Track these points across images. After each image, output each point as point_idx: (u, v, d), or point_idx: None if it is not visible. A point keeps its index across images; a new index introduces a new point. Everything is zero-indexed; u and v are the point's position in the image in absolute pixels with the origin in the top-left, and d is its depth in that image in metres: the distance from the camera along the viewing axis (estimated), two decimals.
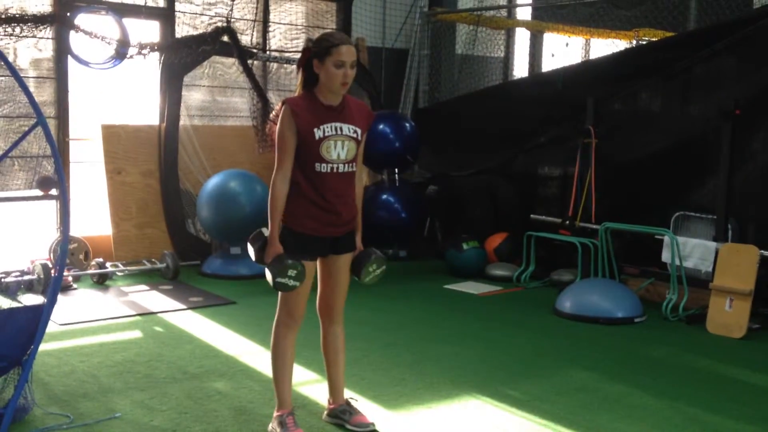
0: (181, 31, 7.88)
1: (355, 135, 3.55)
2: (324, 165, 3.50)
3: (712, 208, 6.29)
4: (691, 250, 6.21)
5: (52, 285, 3.64)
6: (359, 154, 3.64)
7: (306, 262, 3.53)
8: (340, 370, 3.86)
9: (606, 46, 9.32)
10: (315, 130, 3.46)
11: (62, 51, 7.15)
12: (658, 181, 6.88)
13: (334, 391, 3.88)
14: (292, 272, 3.45)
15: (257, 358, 4.87)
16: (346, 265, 3.73)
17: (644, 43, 8.33)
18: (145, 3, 7.67)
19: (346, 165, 3.55)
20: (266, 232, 3.56)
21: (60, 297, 6.08)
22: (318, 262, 3.70)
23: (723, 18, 7.05)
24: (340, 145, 3.51)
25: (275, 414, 3.70)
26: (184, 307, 6.11)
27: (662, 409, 4.20)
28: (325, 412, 3.91)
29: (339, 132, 3.50)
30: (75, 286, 6.68)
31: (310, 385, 4.38)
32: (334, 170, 3.52)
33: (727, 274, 5.78)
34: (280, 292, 3.60)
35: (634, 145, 7.10)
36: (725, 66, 6.56)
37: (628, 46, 8.64)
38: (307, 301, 3.66)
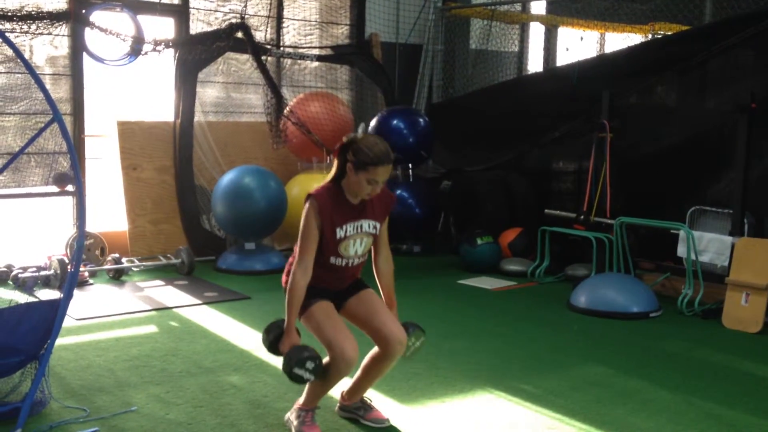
0: (196, 27, 7.91)
1: (374, 231, 3.60)
2: (339, 259, 3.55)
3: (728, 202, 6.25)
4: (707, 244, 6.18)
5: (68, 280, 3.67)
6: (383, 235, 3.67)
7: (322, 302, 3.55)
8: (372, 384, 3.81)
9: (621, 40, 9.28)
10: (337, 229, 3.49)
11: (78, 48, 7.20)
12: (673, 175, 6.84)
13: (356, 392, 3.84)
14: (310, 364, 3.39)
15: None
16: (368, 297, 3.67)
17: (660, 37, 8.28)
18: (160, 0, 7.70)
19: (360, 258, 3.62)
20: (282, 321, 3.57)
21: (76, 292, 6.12)
22: (346, 316, 3.66)
23: (739, 11, 7.01)
24: (358, 243, 3.56)
25: (297, 406, 3.69)
26: (199, 302, 6.14)
27: (677, 403, 4.19)
28: (338, 406, 3.91)
29: (359, 231, 3.55)
30: (91, 281, 6.73)
31: None
32: (348, 264, 3.59)
33: (743, 268, 5.75)
34: (319, 339, 3.52)
35: (650, 139, 7.07)
36: (741, 59, 6.52)
37: (643, 40, 8.60)
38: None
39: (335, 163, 3.53)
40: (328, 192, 3.51)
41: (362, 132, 3.19)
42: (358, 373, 3.78)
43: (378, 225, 3.61)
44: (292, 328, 3.52)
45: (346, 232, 3.51)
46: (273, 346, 3.58)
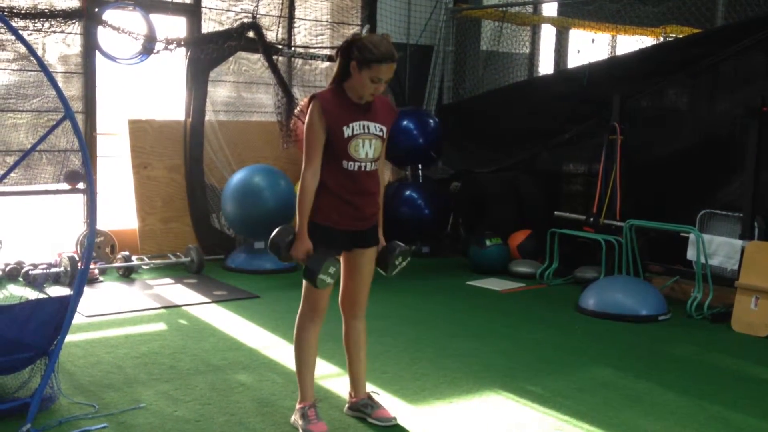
0: (207, 26, 7.93)
1: (381, 133, 3.57)
2: (352, 163, 3.51)
3: (738, 205, 6.23)
4: (717, 248, 6.16)
5: (78, 277, 3.69)
6: (383, 150, 3.66)
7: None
8: (362, 365, 3.88)
9: (632, 42, 9.26)
10: (344, 128, 3.47)
11: (90, 46, 7.23)
12: (683, 178, 6.83)
13: (356, 385, 3.89)
14: (332, 269, 3.47)
15: (280, 351, 4.90)
16: (370, 259, 3.73)
17: (671, 39, 8.26)
18: None
19: (373, 163, 3.58)
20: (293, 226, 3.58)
21: (86, 289, 6.11)
22: (342, 258, 3.70)
23: (751, 14, 6.99)
24: (368, 144, 3.52)
25: (297, 406, 3.73)
26: (208, 300, 6.16)
27: (686, 406, 4.17)
28: (347, 406, 3.92)
29: (367, 131, 3.52)
30: (101, 278, 6.75)
31: (332, 378, 4.40)
32: (362, 168, 3.54)
33: (753, 272, 5.73)
34: (304, 287, 3.61)
35: (660, 142, 7.05)
36: (753, 63, 6.50)
37: (654, 42, 8.58)
38: (330, 295, 3.68)
39: (338, 63, 3.51)
40: (331, 93, 3.52)
41: (366, 32, 3.17)
42: (347, 362, 3.88)
43: (384, 129, 3.59)
44: (305, 233, 3.50)
45: (353, 130, 3.48)
46: (286, 252, 3.53)
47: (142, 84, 7.89)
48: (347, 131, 3.47)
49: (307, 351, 3.70)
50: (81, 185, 7.16)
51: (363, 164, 3.53)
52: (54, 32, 6.97)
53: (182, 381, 4.32)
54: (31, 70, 6.93)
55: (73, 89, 7.28)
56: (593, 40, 9.32)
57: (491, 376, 4.58)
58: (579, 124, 7.54)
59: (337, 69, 3.52)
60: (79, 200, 7.42)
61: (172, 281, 6.79)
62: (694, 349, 5.28)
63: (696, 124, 6.92)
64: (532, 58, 10.14)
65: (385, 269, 3.76)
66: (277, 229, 3.60)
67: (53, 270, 6.58)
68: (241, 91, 8.36)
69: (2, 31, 6.59)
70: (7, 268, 6.62)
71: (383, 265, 3.76)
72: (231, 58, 8.01)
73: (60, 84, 6.96)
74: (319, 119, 3.46)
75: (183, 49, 7.60)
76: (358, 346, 3.84)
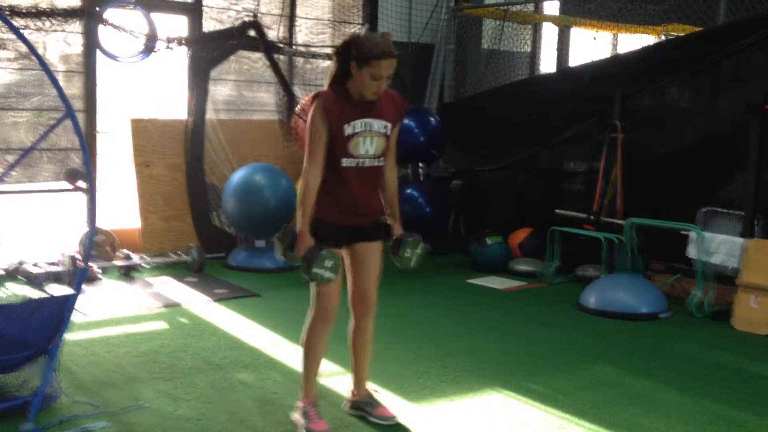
0: (209, 25, 7.93)
1: (384, 131, 3.56)
2: (350, 160, 3.51)
3: (740, 203, 6.22)
4: (718, 246, 6.14)
5: (78, 276, 3.69)
6: (392, 143, 3.63)
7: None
8: (366, 363, 3.87)
9: (634, 41, 9.26)
10: (345, 126, 3.46)
11: (91, 45, 7.23)
12: (684, 176, 6.82)
13: (358, 382, 3.88)
14: (328, 263, 3.40)
15: (281, 349, 4.90)
16: (374, 253, 3.71)
17: (672, 37, 8.26)
18: None
19: (374, 160, 3.57)
20: (295, 226, 3.56)
21: (87, 288, 6.15)
22: (345, 254, 3.68)
23: (753, 12, 6.98)
24: (369, 141, 3.52)
25: (299, 404, 3.73)
26: (209, 299, 6.16)
27: (687, 404, 4.17)
28: (348, 404, 3.92)
29: (369, 129, 3.51)
30: (102, 277, 6.74)
31: (333, 377, 4.39)
32: (360, 165, 3.53)
33: (754, 270, 5.72)
34: (312, 287, 3.58)
35: (662, 140, 7.04)
36: (754, 61, 6.50)
37: (656, 41, 8.58)
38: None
39: (335, 64, 3.50)
40: (333, 91, 3.50)
41: (365, 31, 3.16)
42: (351, 358, 3.86)
43: (389, 126, 3.57)
44: (306, 230, 3.49)
45: (354, 128, 3.47)
46: (288, 252, 3.55)
47: (144, 83, 7.89)
48: (348, 129, 3.47)
49: (317, 352, 3.69)
50: (82, 184, 7.15)
51: (361, 161, 3.53)
52: (55, 31, 6.96)
53: (183, 380, 4.32)
54: (32, 69, 6.93)
55: (74, 88, 7.28)
56: (594, 38, 9.32)
57: (492, 374, 4.58)
58: (580, 123, 7.53)
59: (335, 70, 3.51)
60: (80, 199, 7.41)
61: (173, 280, 6.79)
62: (695, 347, 5.28)
63: (697, 122, 6.91)
64: (534, 56, 10.14)
65: (396, 258, 3.73)
66: (281, 230, 3.60)
67: (54, 269, 6.58)
68: (242, 89, 8.36)
69: (3, 29, 6.59)
70: (9, 267, 6.61)
71: (395, 256, 3.74)
72: (232, 57, 8.01)
73: (61, 83, 6.96)
74: (321, 118, 3.45)
75: (184, 48, 7.58)
76: (364, 345, 3.82)
